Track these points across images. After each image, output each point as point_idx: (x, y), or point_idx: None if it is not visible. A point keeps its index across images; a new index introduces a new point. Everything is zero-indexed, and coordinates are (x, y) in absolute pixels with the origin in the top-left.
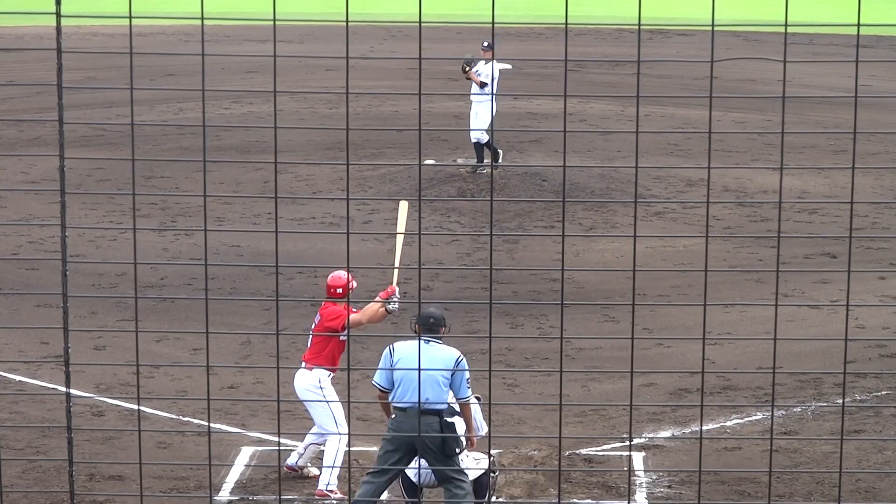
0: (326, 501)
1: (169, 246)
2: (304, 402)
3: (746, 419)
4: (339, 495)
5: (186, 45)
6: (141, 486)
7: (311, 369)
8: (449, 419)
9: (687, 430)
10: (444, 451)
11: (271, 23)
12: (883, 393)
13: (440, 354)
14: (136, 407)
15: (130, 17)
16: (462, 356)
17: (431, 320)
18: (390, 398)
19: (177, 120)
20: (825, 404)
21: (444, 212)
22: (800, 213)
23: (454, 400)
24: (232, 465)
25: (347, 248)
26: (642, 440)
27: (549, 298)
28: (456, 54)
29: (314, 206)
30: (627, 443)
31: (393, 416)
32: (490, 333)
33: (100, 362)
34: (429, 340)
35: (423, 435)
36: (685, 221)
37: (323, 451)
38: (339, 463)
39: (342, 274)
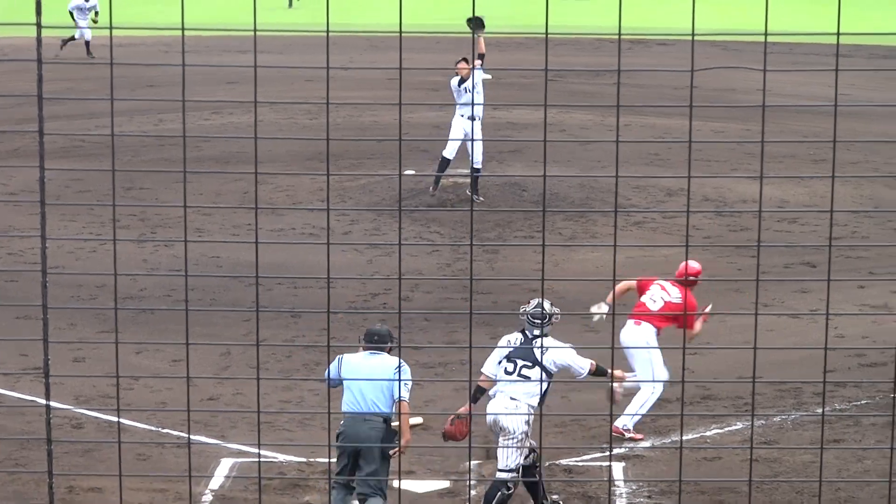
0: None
1: (149, 257)
2: (627, 352)
3: (726, 428)
4: (632, 435)
5: (166, 56)
6: (121, 498)
7: (639, 324)
8: (392, 424)
9: (667, 440)
10: (382, 452)
11: (251, 33)
12: (862, 402)
13: (384, 363)
14: (115, 419)
15: (111, 28)
16: (404, 364)
17: (376, 337)
18: (341, 404)
19: (157, 131)
20: (805, 413)
21: (424, 222)
22: (779, 222)
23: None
24: (212, 477)
25: (328, 258)
26: (622, 450)
27: None
28: (436, 64)
29: (294, 216)
30: (607, 453)
31: (342, 421)
32: (470, 343)
33: (79, 374)
34: (374, 352)
35: (362, 444)
36: (665, 231)
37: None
38: (643, 411)
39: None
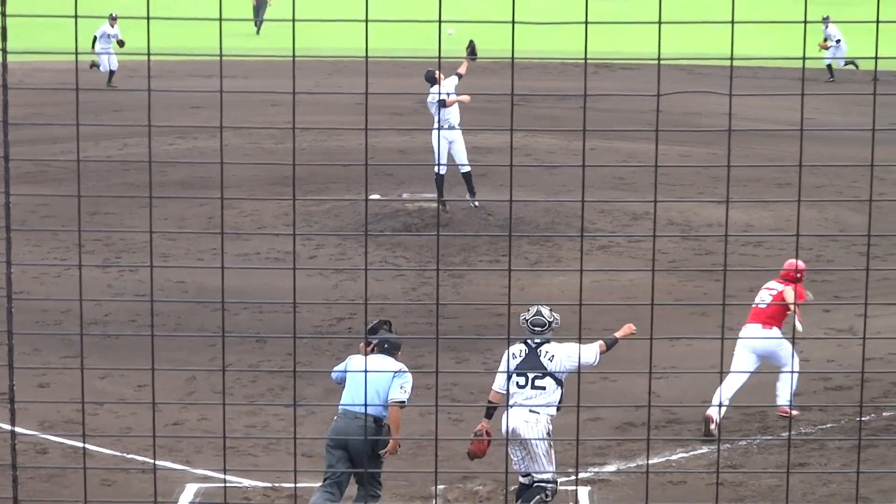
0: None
1: (114, 282)
2: (763, 352)
3: (692, 452)
4: (796, 413)
5: (132, 81)
6: None
7: (769, 327)
8: (384, 424)
9: (633, 464)
10: (374, 450)
11: (217, 58)
12: (828, 426)
13: (385, 366)
14: (80, 444)
15: (77, 53)
16: (405, 369)
17: (386, 345)
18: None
19: (122, 155)
20: (770, 437)
21: (390, 247)
22: (745, 245)
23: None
24: (177, 502)
25: (294, 283)
26: (588, 474)
27: (494, 333)
28: (401, 89)
29: (259, 241)
30: (574, 477)
31: (334, 417)
32: (437, 368)
33: (44, 400)
34: (380, 355)
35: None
36: (630, 255)
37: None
38: (796, 389)
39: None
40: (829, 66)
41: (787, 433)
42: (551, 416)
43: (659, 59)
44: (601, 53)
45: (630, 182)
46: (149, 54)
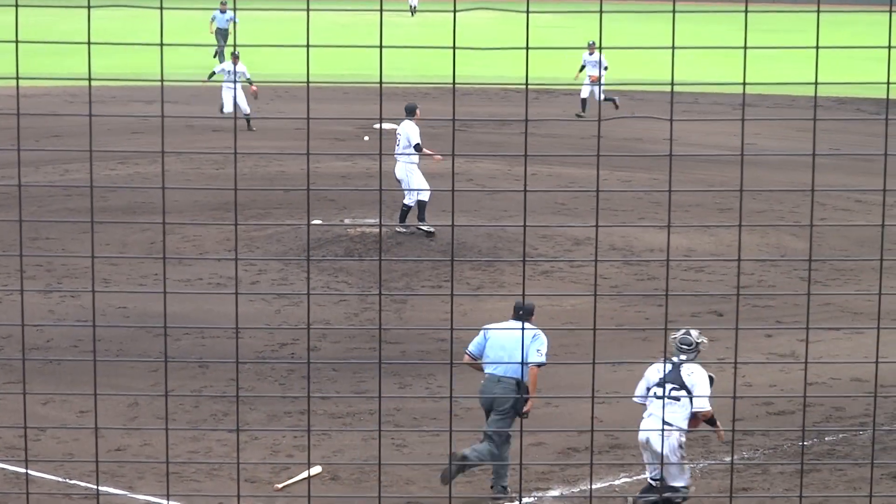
0: None
1: (55, 307)
2: None
3: (635, 477)
4: None
5: (72, 106)
6: None
7: None
8: (523, 385)
9: (576, 489)
10: (515, 408)
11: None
12: (770, 450)
13: (519, 333)
14: (23, 470)
15: (18, 78)
16: (538, 332)
17: (521, 311)
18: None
19: (63, 181)
20: (713, 462)
21: (332, 272)
22: (686, 270)
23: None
24: None
25: (236, 308)
26: (531, 499)
27: (437, 358)
28: (343, 114)
29: (201, 266)
30: (517, 502)
31: (482, 381)
32: (379, 393)
33: None
34: (515, 322)
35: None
36: (572, 280)
37: None
38: None
39: None
40: (583, 99)
41: (731, 458)
42: (683, 429)
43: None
44: (542, 79)
45: (572, 207)
46: (90, 79)
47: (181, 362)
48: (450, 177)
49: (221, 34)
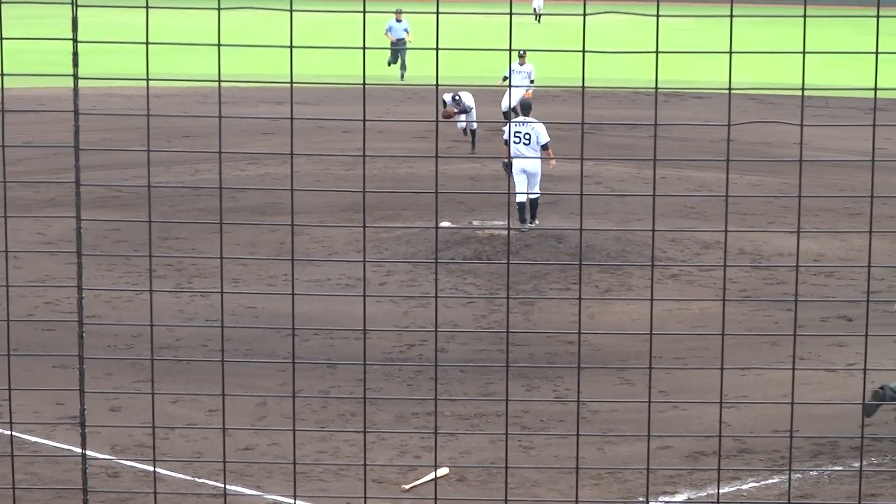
0: None
1: (185, 307)
2: None
3: (763, 482)
4: None
5: (203, 107)
6: None
7: None
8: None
9: (703, 494)
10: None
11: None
12: None
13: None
14: (151, 468)
15: (148, 79)
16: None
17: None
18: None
19: (193, 181)
20: (841, 468)
21: (460, 274)
22: (816, 276)
23: None
24: None
25: (364, 309)
26: (659, 503)
27: (564, 361)
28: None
29: (330, 267)
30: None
31: None
32: (507, 396)
33: (116, 424)
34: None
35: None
36: (701, 284)
37: None
38: None
39: None
40: (471, 131)
41: (859, 464)
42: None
43: (730, 87)
44: (672, 82)
45: (701, 211)
46: (220, 81)
47: (310, 363)
48: (578, 180)
49: (399, 45)
